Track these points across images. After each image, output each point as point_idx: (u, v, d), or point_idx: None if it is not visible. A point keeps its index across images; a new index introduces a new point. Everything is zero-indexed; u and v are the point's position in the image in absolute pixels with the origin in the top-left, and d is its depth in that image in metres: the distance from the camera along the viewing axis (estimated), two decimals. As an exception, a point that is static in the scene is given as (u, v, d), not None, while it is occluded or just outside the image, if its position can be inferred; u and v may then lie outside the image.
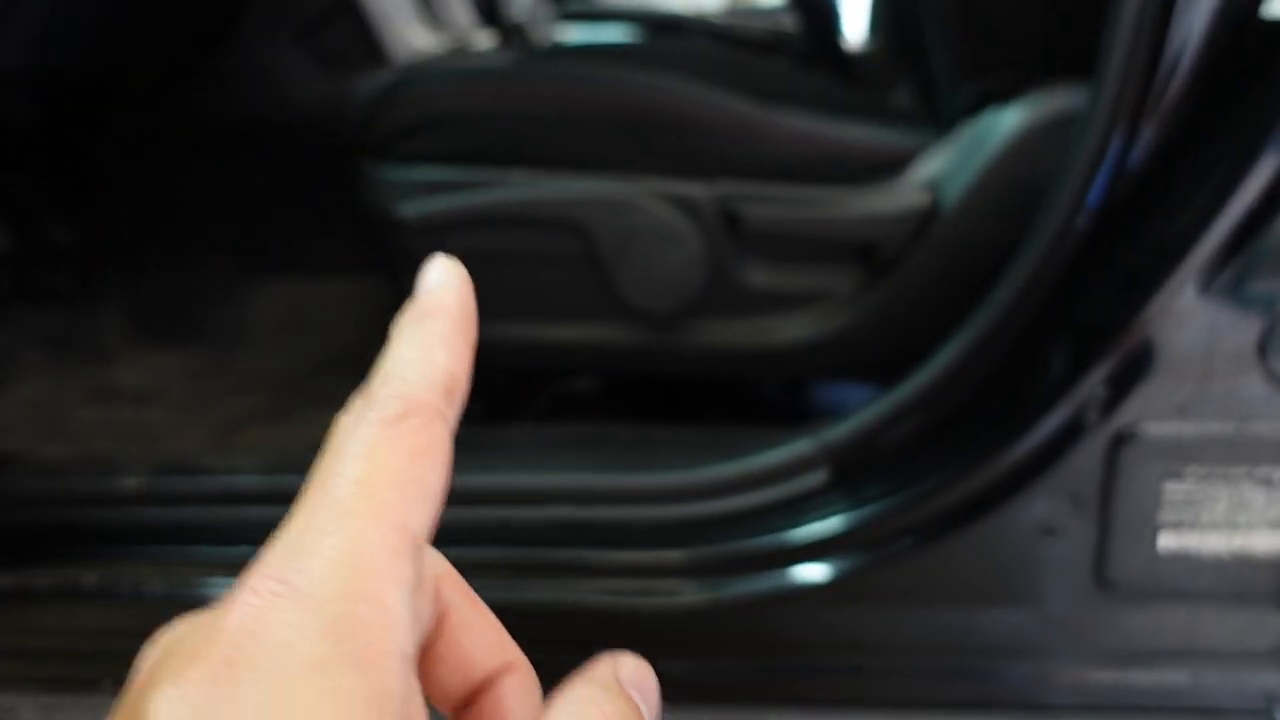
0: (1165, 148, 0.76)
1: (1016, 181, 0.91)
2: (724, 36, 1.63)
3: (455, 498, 0.84)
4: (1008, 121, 0.92)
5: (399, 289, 1.07)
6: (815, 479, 0.85)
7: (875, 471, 0.84)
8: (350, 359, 1.39)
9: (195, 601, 0.87)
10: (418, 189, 1.00)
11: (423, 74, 1.03)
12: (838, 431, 0.85)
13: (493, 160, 1.00)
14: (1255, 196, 0.71)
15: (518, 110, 0.99)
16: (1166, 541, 0.77)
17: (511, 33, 1.66)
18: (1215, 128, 0.75)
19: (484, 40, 1.71)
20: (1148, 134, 0.75)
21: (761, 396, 1.27)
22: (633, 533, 0.87)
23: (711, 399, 1.22)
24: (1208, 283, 0.72)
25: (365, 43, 1.57)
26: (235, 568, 0.77)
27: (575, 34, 1.69)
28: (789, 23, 1.65)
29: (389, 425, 0.24)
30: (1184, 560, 0.77)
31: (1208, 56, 0.74)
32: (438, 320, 0.27)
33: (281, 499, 0.86)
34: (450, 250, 0.92)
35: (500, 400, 1.23)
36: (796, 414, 1.24)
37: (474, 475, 0.90)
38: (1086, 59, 0.77)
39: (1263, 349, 0.73)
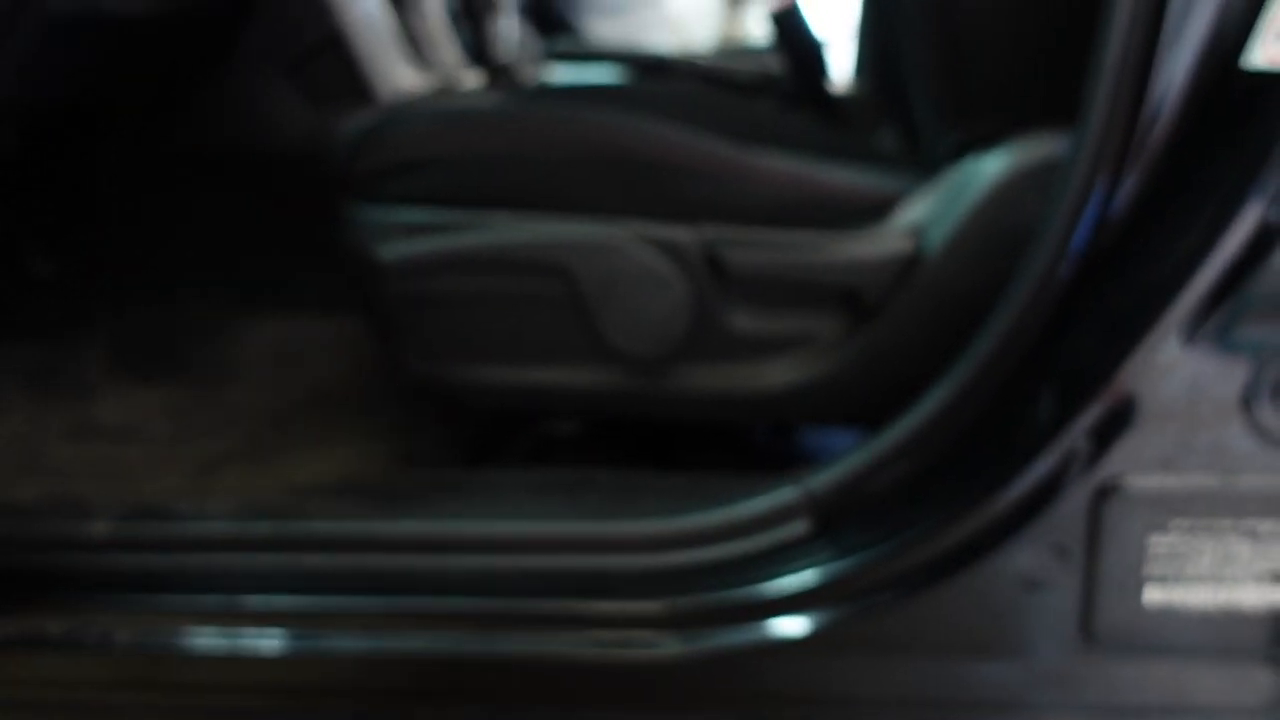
0: (1148, 196, 0.76)
1: (1000, 228, 0.91)
2: (710, 78, 1.64)
3: (431, 545, 0.82)
4: (991, 167, 0.92)
5: (380, 331, 1.06)
6: (798, 528, 0.84)
7: (858, 521, 0.83)
8: (334, 397, 1.38)
9: (162, 651, 0.86)
10: (399, 231, 0.99)
11: (406, 114, 1.02)
12: (820, 479, 0.84)
13: (475, 202, 0.99)
14: (1238, 246, 0.71)
15: (501, 152, 0.99)
16: (1152, 595, 0.76)
17: (499, 72, 1.66)
18: (1198, 176, 0.74)
19: (472, 80, 1.71)
20: (1130, 182, 0.75)
21: (748, 441, 1.26)
22: (613, 582, 0.86)
23: (697, 443, 1.21)
24: (1192, 333, 0.72)
25: (353, 80, 1.57)
26: (204, 617, 0.75)
27: (562, 74, 1.70)
28: (776, 64, 1.65)
29: None
30: (1170, 614, 0.76)
31: (1190, 105, 0.74)
32: None
33: (251, 546, 0.84)
34: (432, 292, 0.91)
35: (482, 443, 1.22)
36: (783, 459, 1.23)
37: (451, 522, 0.88)
38: (1070, 106, 0.77)
39: (1247, 400, 0.72)
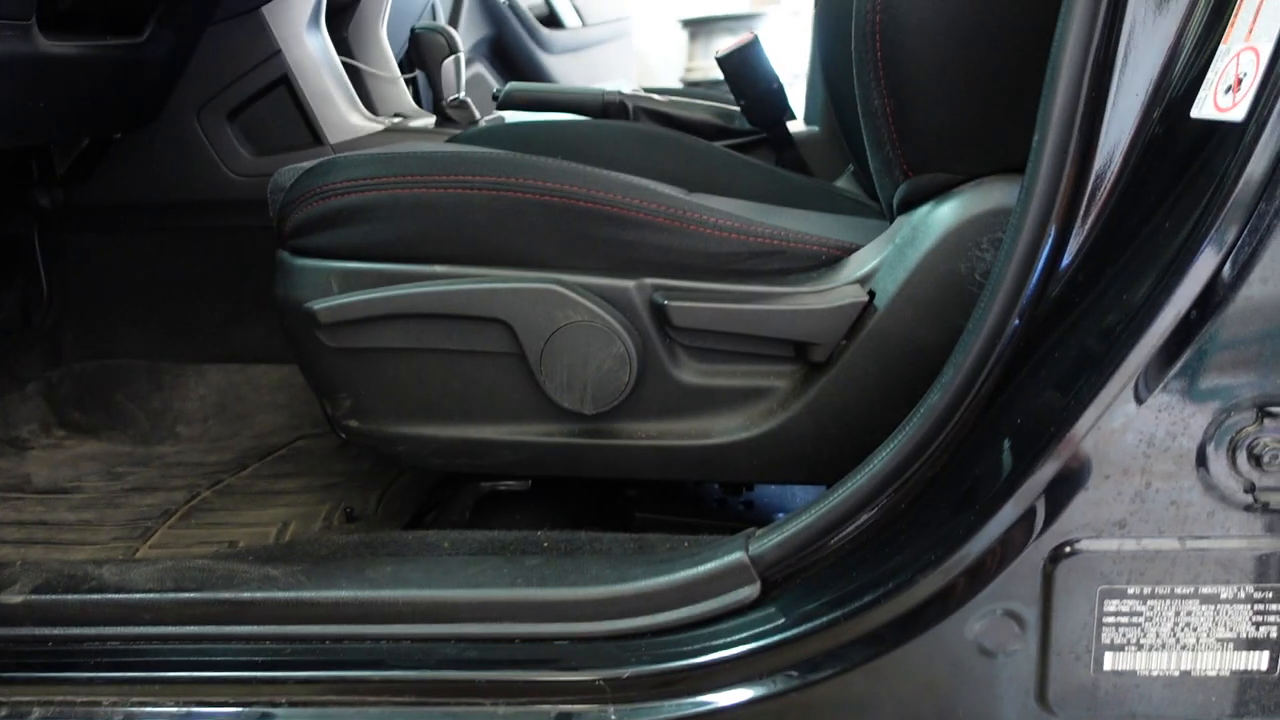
0: (1099, 248, 0.74)
1: (952, 277, 0.88)
2: (668, 118, 1.62)
3: (364, 613, 0.78)
4: (942, 216, 0.90)
5: (315, 386, 1.03)
6: (745, 592, 0.81)
7: (807, 585, 0.80)
8: (276, 452, 1.34)
9: (78, 730, 0.81)
10: (332, 282, 0.96)
11: (341, 162, 0.99)
12: (769, 541, 0.81)
13: (411, 253, 0.96)
14: (1191, 299, 0.68)
15: (438, 200, 0.95)
16: (1110, 662, 0.73)
17: (449, 116, 1.64)
18: (1149, 228, 0.72)
19: (423, 124, 1.69)
20: (1081, 233, 0.73)
21: (700, 498, 1.23)
22: (554, 651, 0.82)
23: (647, 500, 1.17)
24: (1146, 389, 0.70)
25: (300, 124, 1.54)
26: (124, 692, 0.69)
27: (516, 117, 1.68)
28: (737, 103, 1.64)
29: None
30: (1129, 682, 0.73)
31: (1140, 155, 0.72)
32: None
33: (175, 618, 0.79)
34: (366, 346, 0.87)
35: (424, 500, 1.18)
36: (736, 516, 1.20)
37: (385, 590, 0.84)
38: (1021, 154, 0.75)
39: (1203, 458, 0.70)
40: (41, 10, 1.16)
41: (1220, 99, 0.67)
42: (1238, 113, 0.65)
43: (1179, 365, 0.69)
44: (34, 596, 0.87)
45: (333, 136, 1.56)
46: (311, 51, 1.56)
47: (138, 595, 0.87)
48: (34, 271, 1.55)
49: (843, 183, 1.48)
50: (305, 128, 1.54)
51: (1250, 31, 0.65)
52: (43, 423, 1.43)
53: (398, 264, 0.95)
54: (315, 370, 1.00)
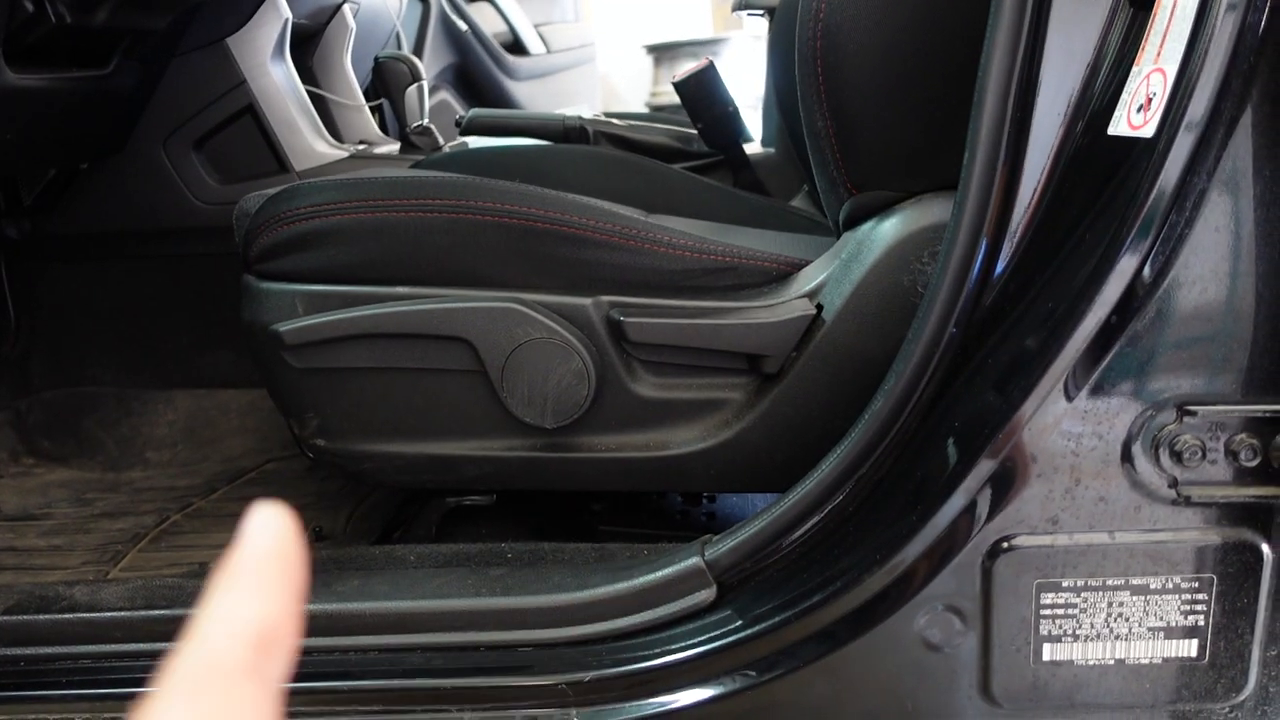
0: (1028, 257, 0.77)
1: (893, 289, 0.92)
2: (627, 142, 1.66)
3: (333, 625, 0.80)
4: (885, 231, 0.94)
5: (282, 407, 1.05)
6: (702, 596, 0.84)
7: (760, 587, 0.83)
8: (245, 474, 1.35)
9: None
10: (298, 305, 0.98)
11: (304, 189, 1.02)
12: (723, 546, 0.84)
13: (374, 275, 0.99)
14: (1111, 304, 0.72)
15: (399, 224, 0.98)
16: (1048, 654, 0.76)
17: (413, 142, 1.67)
18: (1072, 238, 0.76)
19: (387, 150, 1.72)
20: (1010, 246, 0.77)
21: (662, 508, 1.26)
22: (518, 657, 0.84)
23: (611, 512, 1.20)
24: (1074, 390, 0.73)
25: (265, 152, 1.57)
26: (95, 709, 0.72)
27: (478, 142, 1.71)
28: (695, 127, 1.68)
29: (189, 696, 0.23)
30: (1068, 672, 0.77)
31: (1063, 171, 0.76)
32: (252, 569, 0.25)
33: (147, 635, 0.81)
34: (331, 367, 0.89)
35: (392, 517, 1.20)
36: (697, 525, 1.23)
37: (352, 602, 0.86)
38: (957, 172, 0.79)
39: (1128, 455, 0.74)
40: (8, 44, 1.18)
41: (1133, 117, 0.71)
42: (1148, 130, 0.69)
43: (1103, 367, 0.73)
44: (5, 617, 0.88)
45: (298, 164, 1.59)
46: (276, 81, 1.59)
47: (109, 614, 0.89)
48: (1, 301, 1.56)
49: (798, 202, 1.52)
50: (271, 156, 1.57)
51: (1159, 54, 0.70)
52: (11, 451, 1.44)
53: (361, 286, 0.98)
54: (282, 391, 1.02)
